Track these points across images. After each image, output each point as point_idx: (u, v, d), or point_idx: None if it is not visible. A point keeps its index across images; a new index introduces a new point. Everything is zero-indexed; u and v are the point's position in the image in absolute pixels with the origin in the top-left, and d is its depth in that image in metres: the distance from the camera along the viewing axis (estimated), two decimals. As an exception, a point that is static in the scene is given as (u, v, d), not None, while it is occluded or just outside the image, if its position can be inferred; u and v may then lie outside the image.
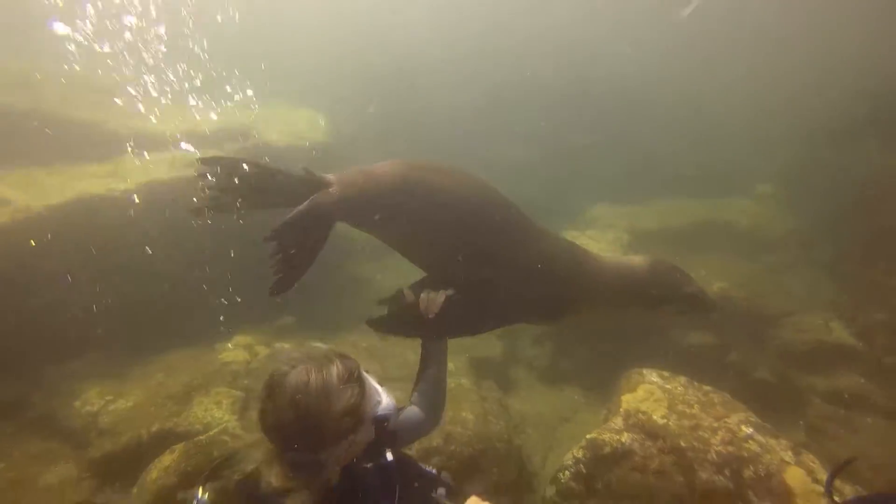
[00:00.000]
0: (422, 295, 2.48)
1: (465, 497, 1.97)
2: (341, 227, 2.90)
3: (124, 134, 6.69)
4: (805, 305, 5.77)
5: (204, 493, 1.85)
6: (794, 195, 7.47)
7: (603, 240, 6.85)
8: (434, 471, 2.02)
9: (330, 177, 2.81)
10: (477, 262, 2.86)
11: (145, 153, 6.33)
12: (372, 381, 1.80)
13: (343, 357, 1.71)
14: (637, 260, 3.53)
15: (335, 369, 1.66)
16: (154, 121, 6.77)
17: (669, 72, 11.60)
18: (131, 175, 5.90)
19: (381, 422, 1.78)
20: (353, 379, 1.69)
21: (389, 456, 1.85)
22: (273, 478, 1.66)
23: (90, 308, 4.96)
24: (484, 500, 1.94)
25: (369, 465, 1.87)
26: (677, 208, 7.88)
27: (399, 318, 2.67)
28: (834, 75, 9.34)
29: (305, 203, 2.61)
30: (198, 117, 7.20)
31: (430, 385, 2.28)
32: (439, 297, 2.45)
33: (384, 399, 1.81)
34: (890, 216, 5.45)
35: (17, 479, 4.00)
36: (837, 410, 4.81)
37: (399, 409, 1.99)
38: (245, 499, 1.68)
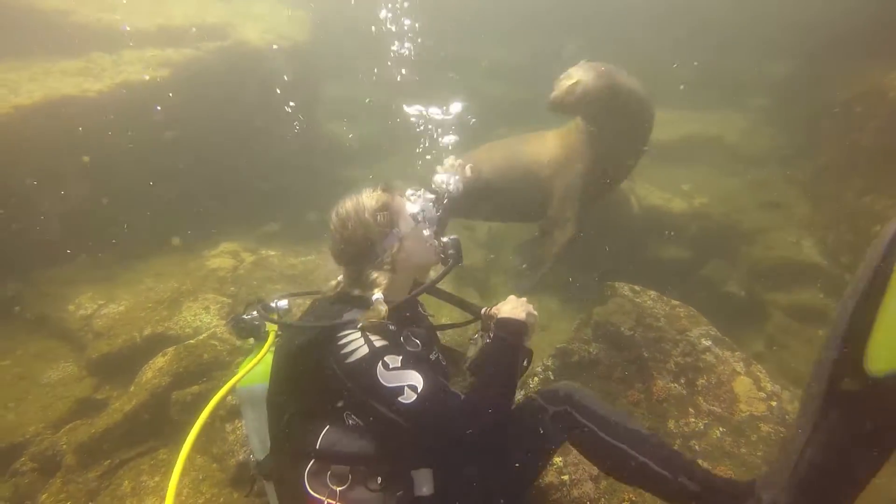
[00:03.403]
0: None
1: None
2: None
3: (94, 27, 6.25)
4: (780, 223, 5.89)
5: (282, 298, 2.23)
6: (788, 109, 7.29)
7: (589, 152, 6.77)
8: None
9: None
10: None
11: (118, 50, 5.98)
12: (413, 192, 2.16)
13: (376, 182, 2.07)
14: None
15: (364, 190, 2.02)
16: (126, 13, 6.32)
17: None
18: (105, 74, 5.63)
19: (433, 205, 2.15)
20: (381, 188, 2.03)
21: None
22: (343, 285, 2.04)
23: (72, 214, 4.98)
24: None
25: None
26: (667, 120, 7.61)
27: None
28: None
29: None
30: (173, 11, 6.73)
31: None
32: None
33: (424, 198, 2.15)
34: (870, 135, 5.30)
35: (23, 374, 4.25)
36: (795, 324, 5.10)
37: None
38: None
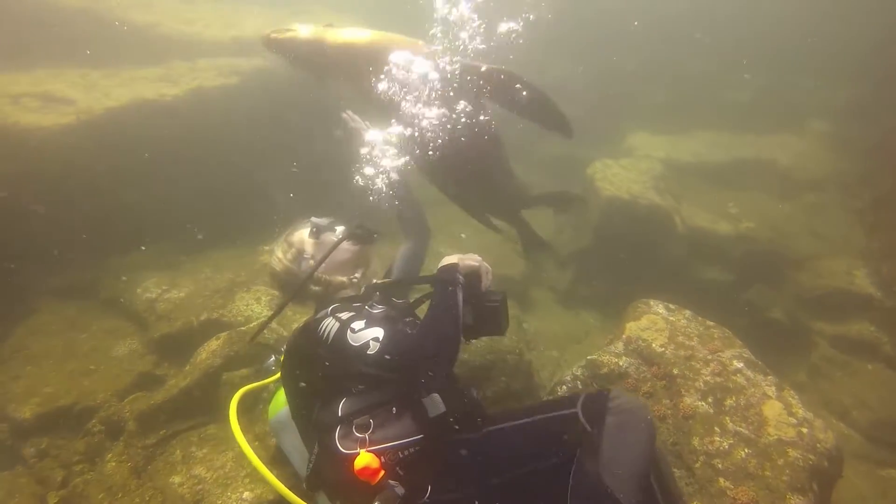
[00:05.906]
0: None
1: None
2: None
3: (175, 38, 6.87)
4: (832, 250, 5.71)
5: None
6: (850, 134, 7.04)
7: (635, 169, 6.74)
8: None
9: None
10: None
11: (195, 58, 6.54)
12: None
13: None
14: None
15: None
16: (204, 26, 6.89)
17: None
18: (181, 80, 6.16)
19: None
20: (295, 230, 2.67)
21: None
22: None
23: (146, 207, 5.46)
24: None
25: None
26: (719, 141, 7.56)
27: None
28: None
29: None
30: (245, 24, 7.26)
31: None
32: None
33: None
34: (934, 164, 5.12)
35: (96, 347, 4.70)
36: (840, 355, 4.94)
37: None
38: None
